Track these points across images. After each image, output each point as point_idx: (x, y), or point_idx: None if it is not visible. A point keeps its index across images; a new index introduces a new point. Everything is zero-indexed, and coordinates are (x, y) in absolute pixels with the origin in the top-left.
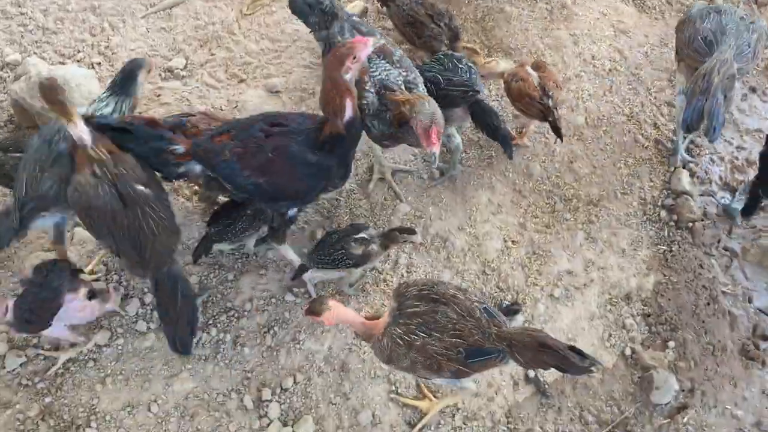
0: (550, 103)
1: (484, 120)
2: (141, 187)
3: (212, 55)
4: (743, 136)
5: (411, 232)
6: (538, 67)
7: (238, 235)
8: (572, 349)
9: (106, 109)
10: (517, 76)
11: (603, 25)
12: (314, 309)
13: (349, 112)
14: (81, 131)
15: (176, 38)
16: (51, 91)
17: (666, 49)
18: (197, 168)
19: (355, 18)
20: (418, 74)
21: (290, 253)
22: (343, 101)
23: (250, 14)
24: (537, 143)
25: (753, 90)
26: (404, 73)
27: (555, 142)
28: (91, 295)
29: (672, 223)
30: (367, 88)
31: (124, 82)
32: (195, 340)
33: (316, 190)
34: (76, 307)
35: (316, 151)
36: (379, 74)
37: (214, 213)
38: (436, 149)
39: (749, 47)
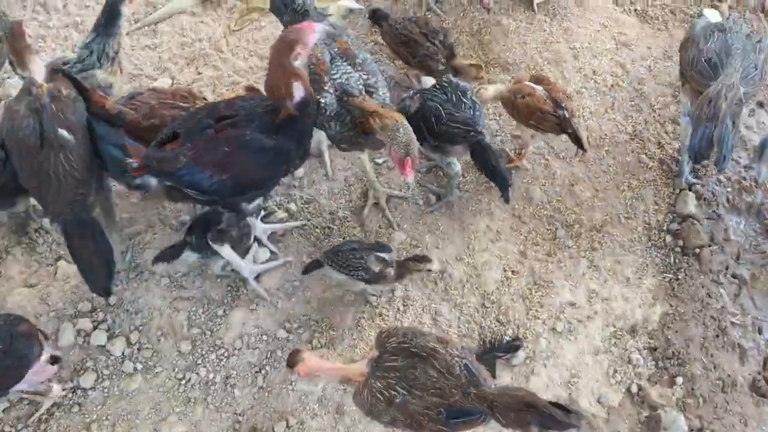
0: (566, 114)
1: (484, 159)
2: (64, 132)
3: (199, 74)
4: (751, 154)
5: (426, 260)
6: (539, 80)
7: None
8: (556, 405)
9: (91, 58)
10: (522, 91)
11: (604, 37)
12: (289, 361)
13: (300, 93)
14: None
15: (162, 56)
16: (14, 37)
17: (670, 62)
18: (153, 182)
19: (329, 19)
20: (382, 79)
21: (234, 256)
22: (289, 87)
23: (238, 30)
24: (536, 165)
25: (761, 105)
26: (365, 77)
27: (577, 154)
28: (54, 360)
29: (678, 249)
30: (326, 88)
31: (109, 20)
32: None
33: (278, 176)
34: (34, 370)
35: (272, 136)
36: (340, 77)
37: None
38: (411, 179)
39: (756, 69)
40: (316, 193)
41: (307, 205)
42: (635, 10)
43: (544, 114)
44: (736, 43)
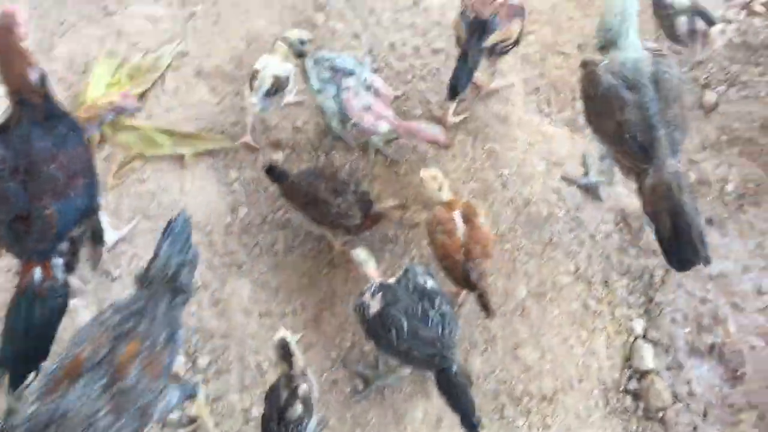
0: (474, 274)
1: (448, 392)
2: None
3: None
4: (706, 283)
5: (288, 354)
6: (468, 218)
7: None
8: None
9: None
10: (444, 225)
11: (533, 158)
12: None
13: (33, 71)
14: None
15: None
16: None
17: None
18: (64, 246)
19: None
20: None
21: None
22: (24, 65)
23: (118, 184)
24: (474, 328)
25: (710, 222)
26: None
27: (488, 316)
28: None
29: (640, 413)
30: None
31: None
32: None
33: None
34: None
35: (55, 125)
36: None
37: None
38: None
39: (682, 134)
40: (225, 387)
41: (215, 404)
42: (563, 118)
43: (456, 264)
44: (651, 106)
